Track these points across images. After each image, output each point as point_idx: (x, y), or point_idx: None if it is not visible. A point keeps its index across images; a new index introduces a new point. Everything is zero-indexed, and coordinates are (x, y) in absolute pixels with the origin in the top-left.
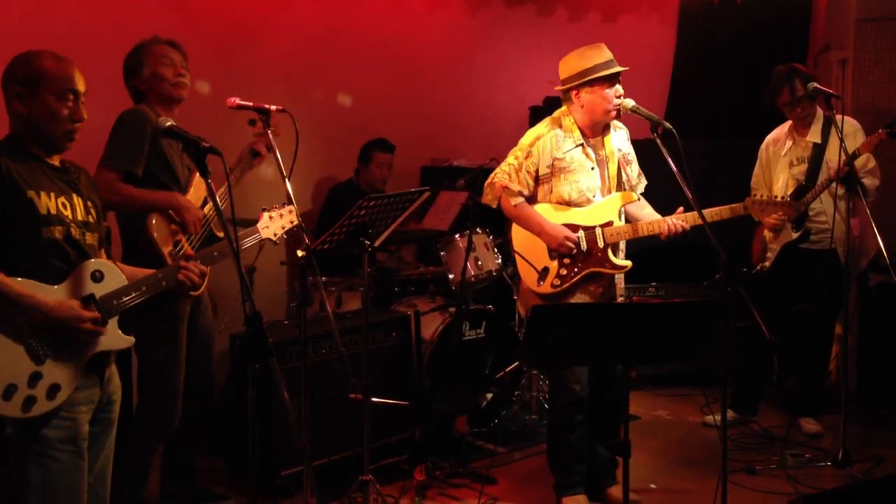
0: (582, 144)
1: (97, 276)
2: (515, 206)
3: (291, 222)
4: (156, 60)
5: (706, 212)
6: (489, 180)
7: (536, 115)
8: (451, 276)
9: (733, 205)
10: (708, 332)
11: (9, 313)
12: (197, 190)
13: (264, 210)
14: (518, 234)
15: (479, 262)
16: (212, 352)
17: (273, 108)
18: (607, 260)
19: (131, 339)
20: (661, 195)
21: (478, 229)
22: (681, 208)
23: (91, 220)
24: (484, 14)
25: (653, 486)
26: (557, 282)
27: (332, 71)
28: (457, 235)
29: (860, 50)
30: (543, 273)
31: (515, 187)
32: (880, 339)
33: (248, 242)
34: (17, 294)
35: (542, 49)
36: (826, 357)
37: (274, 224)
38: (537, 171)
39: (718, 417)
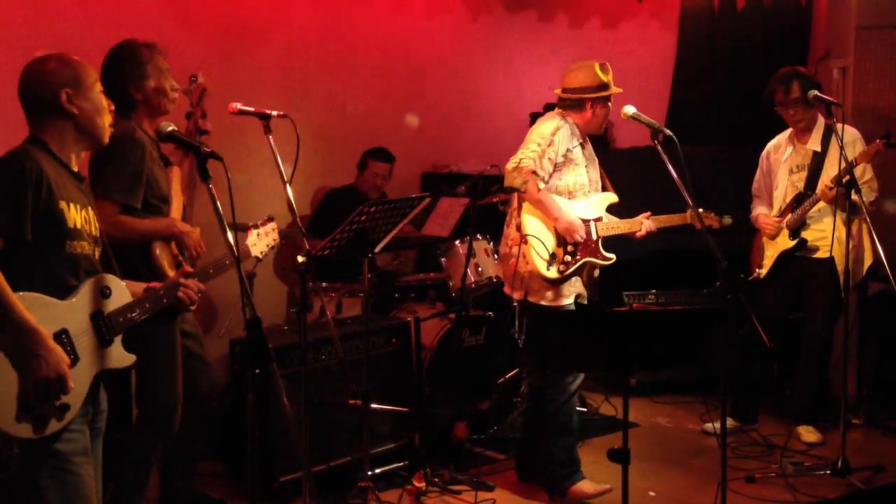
0: (581, 144)
1: (106, 292)
2: (540, 190)
3: (275, 240)
4: (160, 74)
5: (662, 218)
6: (515, 165)
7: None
8: (451, 283)
9: (684, 214)
10: (708, 339)
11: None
12: (177, 195)
13: (252, 227)
14: (530, 221)
15: (480, 269)
16: (204, 346)
17: (274, 113)
18: (598, 251)
19: (133, 357)
20: (662, 201)
21: (478, 235)
22: (648, 213)
23: (98, 235)
24: (485, 19)
25: (652, 493)
26: (563, 267)
27: (331, 75)
28: (457, 242)
29: (860, 58)
30: (552, 259)
31: (541, 173)
32: (881, 348)
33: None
34: (22, 319)
35: (542, 55)
36: (825, 364)
37: (261, 242)
38: (556, 159)
39: (718, 425)
